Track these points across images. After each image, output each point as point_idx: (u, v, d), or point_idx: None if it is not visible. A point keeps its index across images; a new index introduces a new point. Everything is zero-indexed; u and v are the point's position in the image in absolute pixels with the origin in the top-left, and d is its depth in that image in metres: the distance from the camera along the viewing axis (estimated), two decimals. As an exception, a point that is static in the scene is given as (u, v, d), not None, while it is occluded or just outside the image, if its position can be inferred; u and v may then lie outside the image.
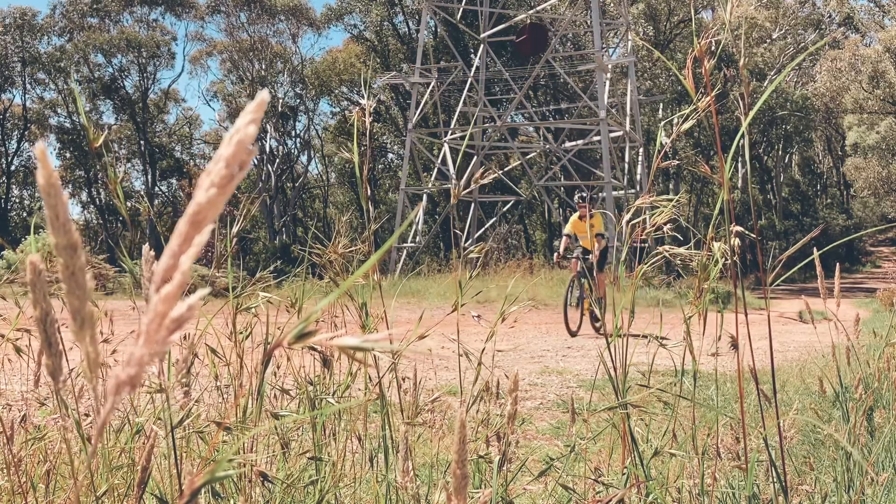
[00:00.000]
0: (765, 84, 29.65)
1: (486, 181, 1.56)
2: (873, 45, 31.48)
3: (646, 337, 1.45)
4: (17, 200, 39.85)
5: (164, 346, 0.33)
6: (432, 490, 1.67)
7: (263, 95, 0.35)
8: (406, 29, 35.53)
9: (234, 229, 1.29)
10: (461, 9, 26.68)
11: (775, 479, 1.40)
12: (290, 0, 35.85)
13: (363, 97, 1.83)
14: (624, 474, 1.42)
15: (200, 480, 0.47)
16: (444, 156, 25.36)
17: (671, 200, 1.41)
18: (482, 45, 25.54)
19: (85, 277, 0.34)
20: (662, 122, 1.55)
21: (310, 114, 38.44)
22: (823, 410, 2.83)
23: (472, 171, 24.51)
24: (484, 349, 1.99)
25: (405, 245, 25.05)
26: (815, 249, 1.36)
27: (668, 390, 1.61)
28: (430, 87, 25.75)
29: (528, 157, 27.96)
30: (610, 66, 24.61)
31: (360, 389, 1.69)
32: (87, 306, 0.34)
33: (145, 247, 1.07)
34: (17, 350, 1.37)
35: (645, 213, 1.45)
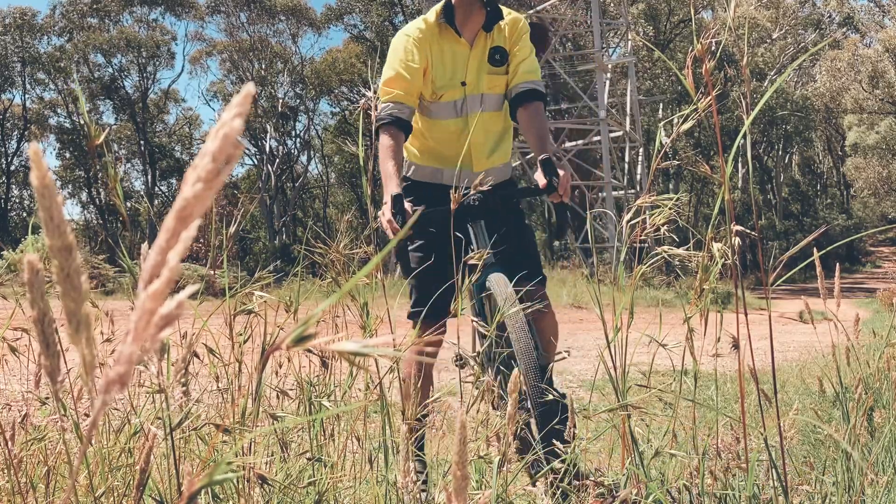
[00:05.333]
0: (765, 84, 29.64)
1: (486, 187, 1.56)
2: (873, 46, 31.47)
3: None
4: (17, 200, 39.83)
5: (153, 344, 0.33)
6: (432, 490, 1.67)
7: (249, 88, 0.35)
8: (406, 29, 35.44)
9: (231, 229, 1.28)
10: (461, 9, 26.63)
11: (775, 480, 1.39)
12: (290, 0, 35.83)
13: (364, 97, 1.83)
14: (624, 475, 1.42)
15: (199, 483, 0.47)
16: (444, 156, 25.31)
17: (671, 200, 1.41)
18: (482, 45, 25.48)
19: (80, 279, 0.34)
20: (662, 123, 1.55)
21: (310, 114, 38.43)
22: (823, 410, 2.82)
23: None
24: (483, 349, 1.98)
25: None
26: (815, 250, 1.36)
27: (669, 390, 1.61)
28: (430, 87, 25.71)
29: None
30: (610, 66, 24.61)
31: (360, 390, 1.69)
32: (82, 308, 0.34)
33: (144, 245, 1.07)
34: (13, 350, 1.37)
35: (645, 213, 1.45)
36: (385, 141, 2.35)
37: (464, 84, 2.53)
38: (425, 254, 2.41)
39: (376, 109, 2.12)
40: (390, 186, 2.28)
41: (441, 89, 2.52)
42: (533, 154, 2.37)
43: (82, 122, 36.00)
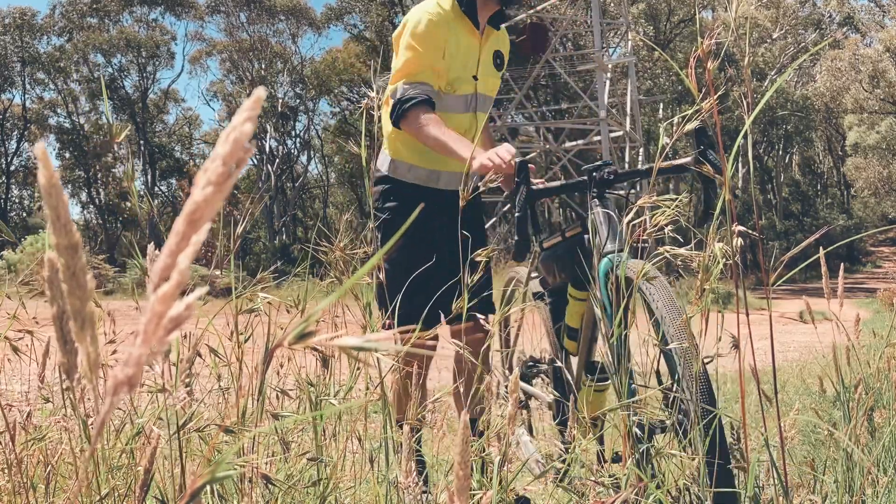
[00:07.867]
0: (765, 84, 29.65)
1: (494, 185, 1.56)
2: (873, 45, 31.48)
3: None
4: (17, 201, 39.85)
5: (162, 346, 0.33)
6: (432, 490, 1.67)
7: (259, 92, 0.35)
8: (406, 29, 35.42)
9: (238, 229, 1.29)
10: (461, 9, 26.60)
11: (776, 480, 1.39)
12: (290, 0, 35.83)
13: (364, 97, 1.83)
14: (625, 475, 1.42)
15: (202, 480, 0.47)
16: (445, 156, 25.27)
17: (674, 200, 1.41)
18: (482, 45, 25.44)
19: (86, 278, 0.34)
20: (663, 123, 1.55)
21: (310, 114, 38.45)
22: (824, 410, 2.82)
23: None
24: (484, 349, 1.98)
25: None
26: (821, 248, 1.36)
27: (669, 390, 1.61)
28: (431, 87, 25.67)
29: (529, 157, 27.97)
30: (610, 66, 24.61)
31: (360, 390, 1.69)
32: (87, 307, 0.34)
33: (150, 246, 1.07)
34: (15, 350, 1.37)
35: (646, 212, 1.45)
36: (428, 114, 2.13)
37: (475, 79, 2.37)
38: (411, 253, 2.18)
39: (394, 94, 2.09)
40: (469, 148, 1.99)
41: (455, 81, 2.31)
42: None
43: (82, 121, 36.11)
